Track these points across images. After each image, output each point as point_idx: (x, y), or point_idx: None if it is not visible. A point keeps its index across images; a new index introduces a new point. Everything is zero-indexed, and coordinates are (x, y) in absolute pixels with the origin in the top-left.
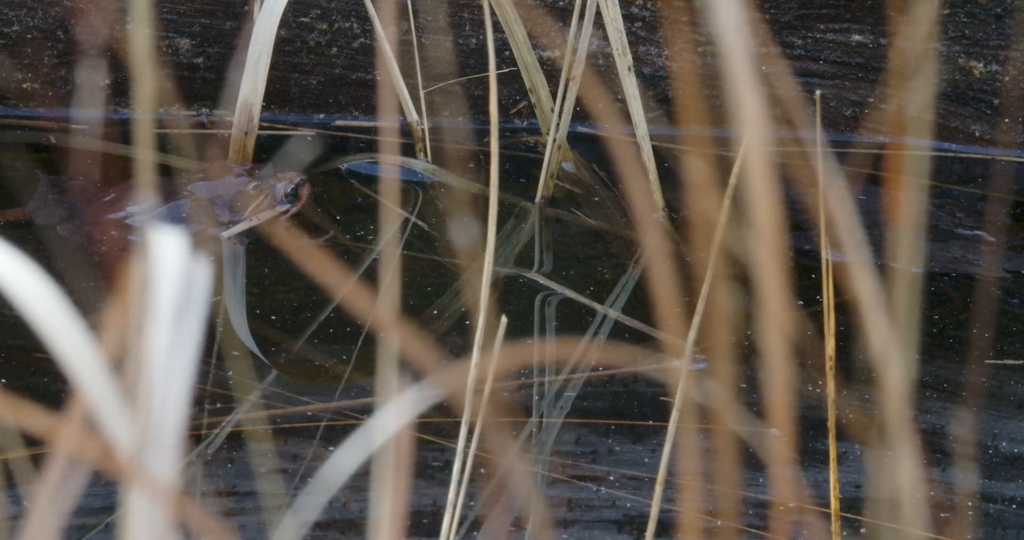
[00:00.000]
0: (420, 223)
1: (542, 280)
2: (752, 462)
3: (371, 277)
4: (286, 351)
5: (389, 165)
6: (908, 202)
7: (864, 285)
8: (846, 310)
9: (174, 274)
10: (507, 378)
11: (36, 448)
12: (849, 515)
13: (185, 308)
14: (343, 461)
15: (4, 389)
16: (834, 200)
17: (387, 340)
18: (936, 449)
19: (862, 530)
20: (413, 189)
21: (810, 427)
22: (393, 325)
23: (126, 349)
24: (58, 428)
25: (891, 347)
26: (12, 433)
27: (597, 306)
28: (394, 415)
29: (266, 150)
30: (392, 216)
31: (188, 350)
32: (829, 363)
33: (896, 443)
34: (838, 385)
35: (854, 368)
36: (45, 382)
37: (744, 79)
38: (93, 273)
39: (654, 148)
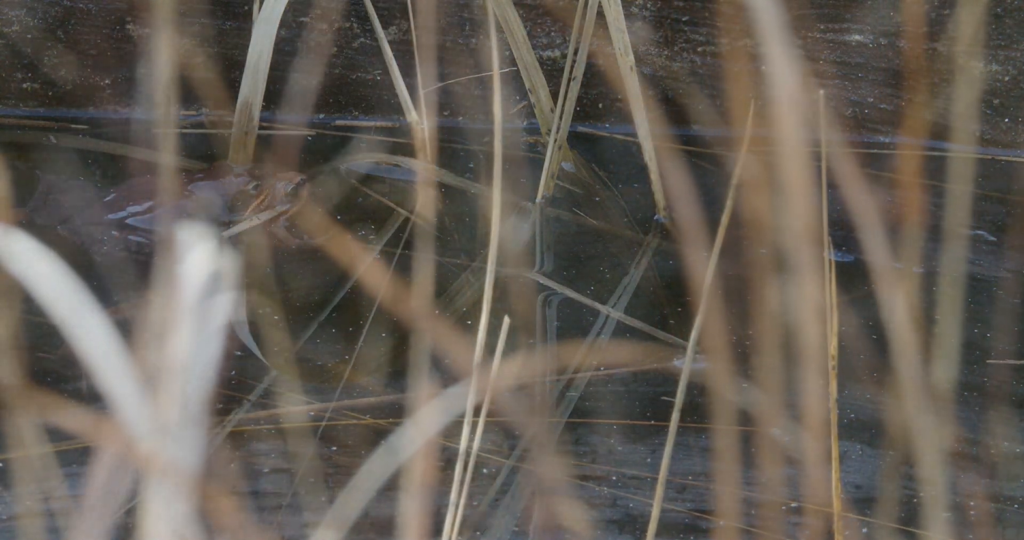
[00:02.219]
0: (420, 223)
1: (542, 280)
2: (756, 461)
3: (370, 277)
4: (286, 351)
5: (389, 165)
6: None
7: (894, 288)
8: (849, 308)
9: (202, 268)
10: (510, 378)
11: (54, 445)
12: (850, 515)
13: (212, 302)
14: (377, 468)
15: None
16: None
17: (388, 339)
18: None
19: (863, 530)
20: (413, 189)
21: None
22: (397, 324)
23: (151, 346)
24: (81, 422)
25: (928, 352)
26: (32, 429)
27: (598, 306)
28: (424, 422)
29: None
30: (392, 216)
31: (215, 343)
32: (831, 363)
33: (933, 449)
34: (841, 384)
35: (857, 367)
36: (48, 382)
37: (784, 80)
38: (94, 273)
39: (655, 148)
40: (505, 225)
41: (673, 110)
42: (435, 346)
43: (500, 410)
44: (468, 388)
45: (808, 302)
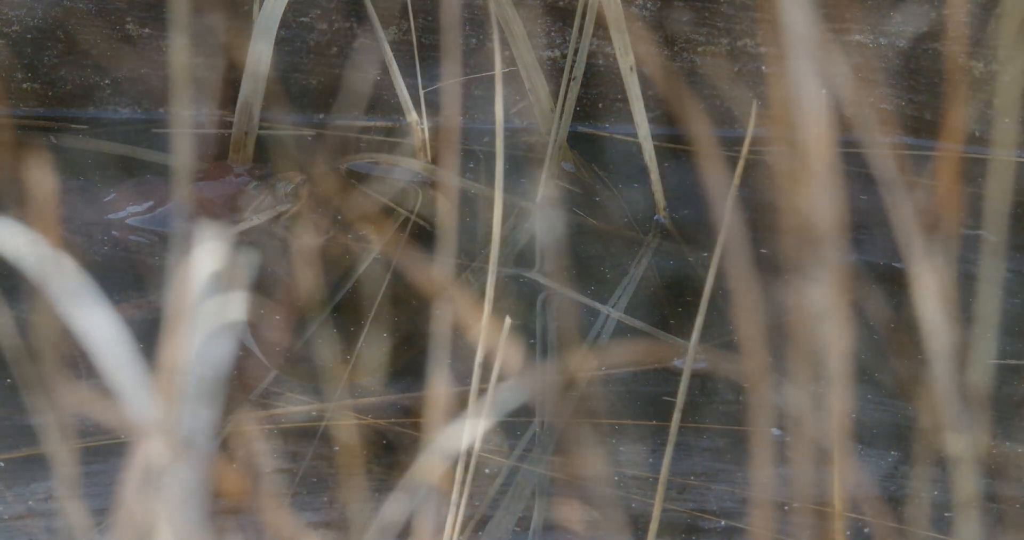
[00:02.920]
0: (420, 223)
1: (543, 280)
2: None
3: (371, 277)
4: (287, 351)
5: (389, 165)
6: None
7: (908, 289)
8: (850, 308)
9: (212, 267)
10: (512, 377)
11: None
12: (852, 515)
13: (221, 300)
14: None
15: (12, 390)
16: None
17: (389, 339)
18: (936, 449)
19: (865, 530)
20: (413, 189)
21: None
22: (397, 324)
23: (159, 344)
24: (86, 421)
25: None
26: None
27: (598, 306)
28: (459, 433)
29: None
30: (392, 216)
31: (223, 341)
32: (834, 362)
33: (962, 451)
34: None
35: (861, 367)
36: (51, 381)
37: (807, 79)
38: (94, 273)
39: (655, 148)
40: (506, 225)
41: (673, 110)
42: (439, 346)
43: (502, 410)
44: (470, 389)
45: (814, 301)
